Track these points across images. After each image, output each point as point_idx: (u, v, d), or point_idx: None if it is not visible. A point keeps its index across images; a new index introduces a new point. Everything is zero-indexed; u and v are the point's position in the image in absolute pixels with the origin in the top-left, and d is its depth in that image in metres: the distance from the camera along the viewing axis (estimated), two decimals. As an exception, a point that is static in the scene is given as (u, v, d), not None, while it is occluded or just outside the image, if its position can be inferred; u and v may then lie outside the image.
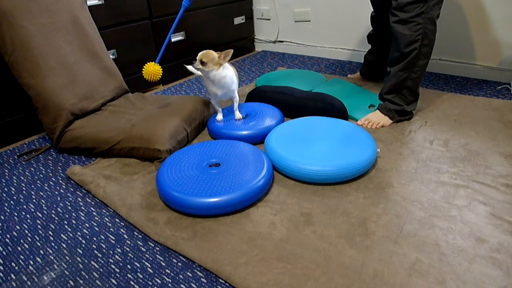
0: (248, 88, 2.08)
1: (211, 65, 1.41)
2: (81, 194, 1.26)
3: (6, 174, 1.40)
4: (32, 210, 1.19)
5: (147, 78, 1.49)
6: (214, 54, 1.42)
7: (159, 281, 0.91)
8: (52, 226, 1.12)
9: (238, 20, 2.67)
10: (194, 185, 1.12)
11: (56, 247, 1.03)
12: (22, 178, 1.37)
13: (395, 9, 1.44)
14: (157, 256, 0.98)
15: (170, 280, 0.91)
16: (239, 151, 1.29)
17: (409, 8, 1.40)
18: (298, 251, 0.95)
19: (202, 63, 1.41)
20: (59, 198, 1.24)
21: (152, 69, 1.48)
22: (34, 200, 1.24)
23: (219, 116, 1.56)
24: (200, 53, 1.42)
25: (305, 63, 2.52)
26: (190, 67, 1.60)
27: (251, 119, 1.54)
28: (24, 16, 1.43)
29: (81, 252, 1.01)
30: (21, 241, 1.07)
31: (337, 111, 1.55)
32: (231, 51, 1.43)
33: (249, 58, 2.73)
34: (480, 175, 1.21)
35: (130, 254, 0.99)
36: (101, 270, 0.95)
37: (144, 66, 1.50)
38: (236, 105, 1.57)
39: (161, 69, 1.50)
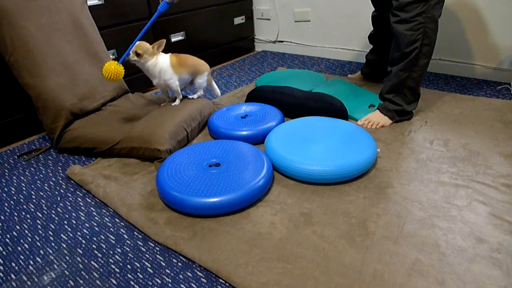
0: (248, 88, 2.08)
1: (146, 56, 1.50)
2: (81, 194, 1.26)
3: (6, 174, 1.40)
4: (32, 210, 1.19)
5: (107, 77, 1.39)
6: (147, 45, 1.51)
7: (159, 281, 0.91)
8: (52, 226, 1.12)
9: (238, 20, 2.67)
10: (194, 185, 1.12)
11: (56, 247, 1.03)
12: (22, 178, 1.37)
13: (395, 9, 1.44)
14: (157, 256, 0.98)
15: (170, 280, 0.91)
16: (239, 151, 1.29)
17: (410, 8, 1.40)
18: (298, 251, 0.95)
19: (138, 55, 1.48)
20: (59, 198, 1.24)
21: (114, 68, 1.39)
22: (34, 200, 1.24)
23: (177, 102, 1.65)
24: (134, 46, 1.49)
25: (305, 63, 2.52)
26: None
27: (251, 119, 1.54)
28: (24, 16, 1.43)
29: (81, 252, 1.01)
30: (21, 241, 1.07)
31: (337, 111, 1.55)
32: (164, 41, 1.52)
33: (249, 58, 2.73)
34: (480, 175, 1.21)
35: (130, 254, 0.99)
36: (101, 270, 0.95)
37: (105, 65, 1.40)
38: (176, 94, 1.65)
39: (123, 70, 1.41)
